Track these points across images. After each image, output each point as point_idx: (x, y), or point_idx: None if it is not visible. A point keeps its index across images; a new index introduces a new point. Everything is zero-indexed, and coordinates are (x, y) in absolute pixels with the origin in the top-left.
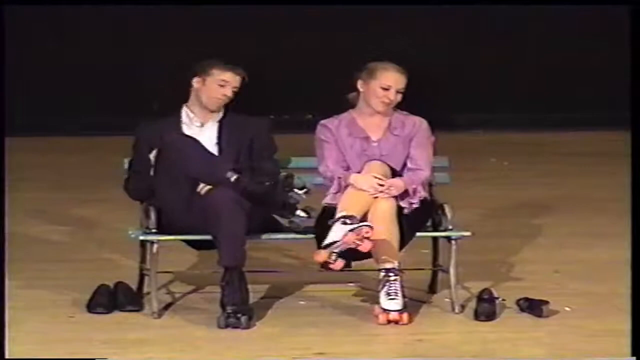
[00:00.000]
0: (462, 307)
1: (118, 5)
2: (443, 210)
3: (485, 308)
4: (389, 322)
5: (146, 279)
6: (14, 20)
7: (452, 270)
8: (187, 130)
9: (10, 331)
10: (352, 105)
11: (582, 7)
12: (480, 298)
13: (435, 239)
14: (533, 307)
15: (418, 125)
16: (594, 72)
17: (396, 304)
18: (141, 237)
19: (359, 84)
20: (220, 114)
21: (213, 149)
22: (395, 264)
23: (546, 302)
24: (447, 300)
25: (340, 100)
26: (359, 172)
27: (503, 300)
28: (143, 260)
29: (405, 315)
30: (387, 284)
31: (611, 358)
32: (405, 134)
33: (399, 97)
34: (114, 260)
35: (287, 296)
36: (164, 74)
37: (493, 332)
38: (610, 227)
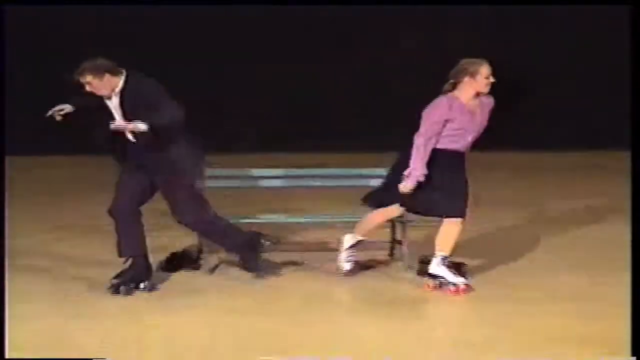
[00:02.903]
0: (410, 267)
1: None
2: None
3: (422, 268)
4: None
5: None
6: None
7: (404, 240)
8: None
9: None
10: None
11: None
12: (420, 261)
13: (393, 223)
14: (454, 266)
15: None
16: None
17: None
18: None
19: (465, 78)
20: (118, 89)
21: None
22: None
23: (464, 264)
24: (400, 263)
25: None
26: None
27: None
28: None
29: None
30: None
31: (611, 358)
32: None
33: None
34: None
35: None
36: None
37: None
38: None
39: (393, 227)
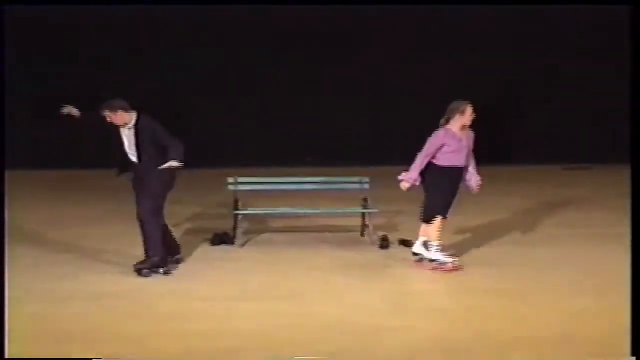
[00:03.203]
0: (374, 243)
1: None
2: (366, 200)
3: (383, 244)
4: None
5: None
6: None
7: (371, 221)
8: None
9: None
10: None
11: None
12: (381, 239)
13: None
14: (404, 242)
15: (472, 134)
16: None
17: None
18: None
19: (457, 115)
20: (132, 124)
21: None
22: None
23: (411, 241)
24: (367, 239)
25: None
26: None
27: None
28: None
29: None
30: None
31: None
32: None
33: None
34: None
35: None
36: None
37: (390, 254)
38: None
39: (363, 216)
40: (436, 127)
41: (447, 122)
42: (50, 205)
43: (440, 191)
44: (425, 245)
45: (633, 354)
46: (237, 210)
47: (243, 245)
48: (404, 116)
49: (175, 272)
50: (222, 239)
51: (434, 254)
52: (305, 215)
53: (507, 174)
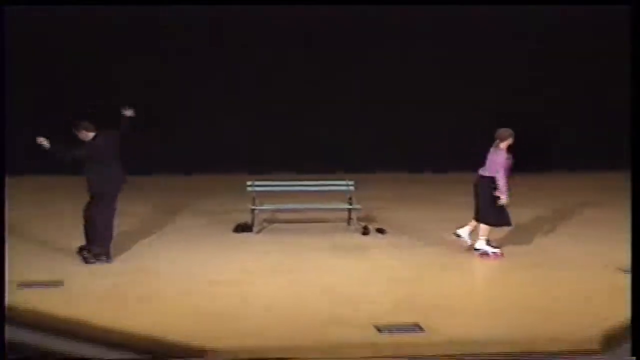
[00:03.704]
0: (357, 230)
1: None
2: (351, 198)
3: (364, 231)
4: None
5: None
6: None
7: (355, 214)
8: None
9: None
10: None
11: None
12: (363, 227)
13: (349, 208)
14: (379, 230)
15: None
16: None
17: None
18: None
19: (509, 139)
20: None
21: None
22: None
23: (384, 229)
24: (352, 227)
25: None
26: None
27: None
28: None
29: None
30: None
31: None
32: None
33: None
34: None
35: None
36: None
37: (369, 239)
38: None
39: (349, 210)
40: (415, 136)
41: (498, 144)
42: None
43: (494, 200)
44: (478, 241)
45: (633, 354)
46: (254, 206)
47: (259, 232)
48: (384, 129)
49: (209, 250)
50: (243, 227)
51: (485, 247)
52: (305, 210)
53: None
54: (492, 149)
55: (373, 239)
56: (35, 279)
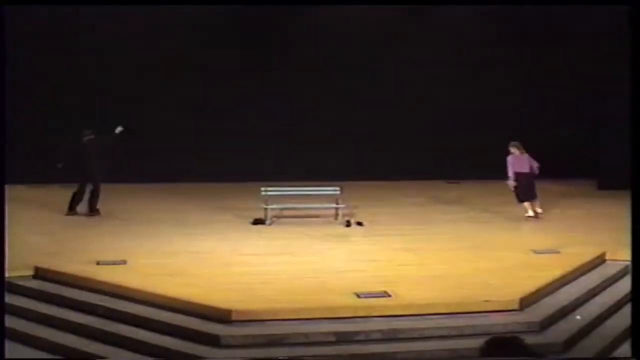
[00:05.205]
0: (342, 223)
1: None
2: (337, 200)
3: (347, 224)
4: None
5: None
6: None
7: (340, 211)
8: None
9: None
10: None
11: None
12: (346, 221)
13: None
14: (358, 223)
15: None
16: None
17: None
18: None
19: (517, 148)
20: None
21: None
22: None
23: (362, 223)
24: (338, 221)
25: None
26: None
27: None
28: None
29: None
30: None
31: (611, 359)
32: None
33: None
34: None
35: None
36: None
37: (351, 230)
38: None
39: (336, 209)
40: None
41: (512, 151)
42: None
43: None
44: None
45: (633, 354)
46: (267, 205)
47: (270, 224)
48: (370, 139)
49: (232, 238)
50: (259, 221)
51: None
52: (304, 208)
53: None
54: (518, 154)
55: (354, 229)
56: (106, 259)
